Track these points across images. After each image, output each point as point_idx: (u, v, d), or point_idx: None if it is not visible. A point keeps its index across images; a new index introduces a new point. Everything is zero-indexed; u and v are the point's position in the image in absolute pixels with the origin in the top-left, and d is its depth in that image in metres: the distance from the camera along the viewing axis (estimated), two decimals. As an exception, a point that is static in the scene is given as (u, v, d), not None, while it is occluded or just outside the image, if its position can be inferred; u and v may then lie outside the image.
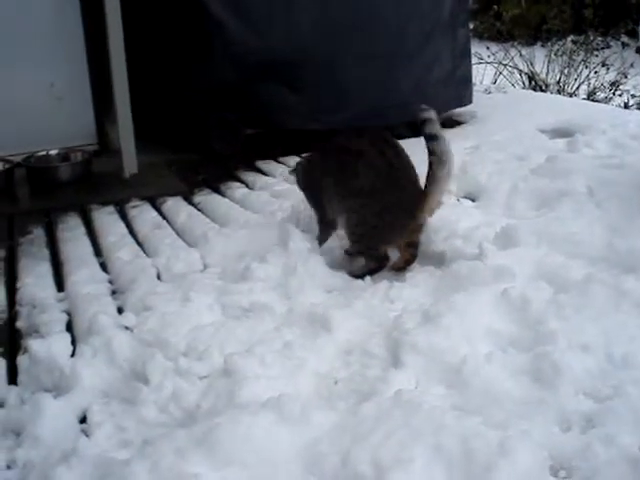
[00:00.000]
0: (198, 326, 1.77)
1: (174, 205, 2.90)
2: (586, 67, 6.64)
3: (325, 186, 2.12)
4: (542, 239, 2.01)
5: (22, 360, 1.70)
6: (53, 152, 3.39)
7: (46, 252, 2.47)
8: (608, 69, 6.70)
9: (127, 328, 1.80)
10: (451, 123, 4.02)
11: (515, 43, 7.82)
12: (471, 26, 5.89)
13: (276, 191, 2.90)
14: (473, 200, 2.57)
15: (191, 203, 2.94)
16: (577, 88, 6.54)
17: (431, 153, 1.92)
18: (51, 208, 2.94)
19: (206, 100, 3.58)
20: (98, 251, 2.46)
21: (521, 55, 6.93)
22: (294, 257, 2.05)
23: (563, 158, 2.76)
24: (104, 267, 2.30)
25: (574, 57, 6.79)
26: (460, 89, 4.10)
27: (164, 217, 2.77)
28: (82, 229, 2.69)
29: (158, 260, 2.25)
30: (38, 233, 2.67)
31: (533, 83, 6.67)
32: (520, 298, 1.69)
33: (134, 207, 2.92)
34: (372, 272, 2.04)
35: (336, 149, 2.15)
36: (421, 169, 2.00)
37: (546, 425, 1.32)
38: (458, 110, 4.18)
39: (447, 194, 2.01)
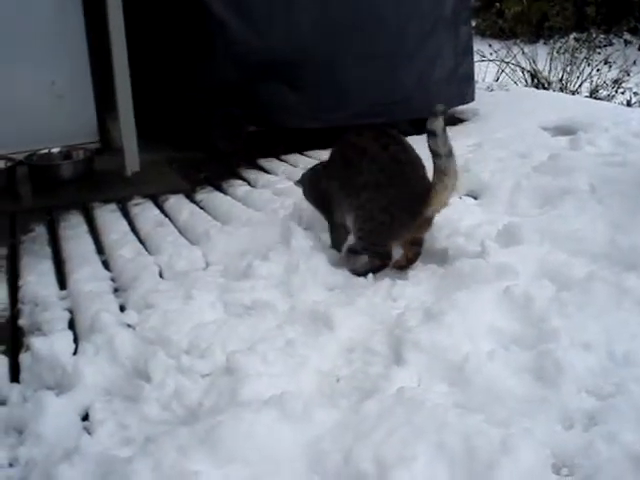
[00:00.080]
0: (200, 324, 1.77)
1: (176, 203, 2.90)
2: (588, 65, 6.63)
3: (332, 191, 2.11)
4: (545, 237, 2.01)
5: (24, 358, 1.71)
6: (55, 150, 3.39)
7: (48, 250, 2.48)
8: (610, 67, 6.69)
9: (129, 326, 1.81)
10: (453, 121, 4.01)
11: (517, 41, 7.80)
12: (473, 24, 5.87)
13: (278, 189, 2.90)
14: (475, 198, 2.57)
15: (193, 201, 2.94)
16: (579, 86, 6.53)
17: (434, 153, 1.91)
18: (53, 206, 2.95)
19: (208, 98, 3.58)
20: (100, 249, 2.46)
21: (523, 53, 6.92)
22: (296, 255, 2.05)
23: (565, 156, 2.75)
24: (106, 265, 2.30)
25: (576, 55, 6.78)
26: (462, 87, 4.09)
27: (166, 215, 2.77)
28: (84, 227, 2.69)
29: (160, 258, 2.25)
30: (40, 231, 2.67)
31: (535, 81, 6.66)
32: (522, 296, 1.68)
33: (136, 205, 2.92)
34: (375, 270, 2.04)
35: (339, 150, 2.14)
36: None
37: (548, 423, 1.32)
38: (460, 108, 4.17)
39: (456, 190, 1.99)
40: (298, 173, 2.56)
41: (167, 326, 1.76)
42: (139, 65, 3.39)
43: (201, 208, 2.82)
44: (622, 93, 6.41)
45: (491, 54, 7.09)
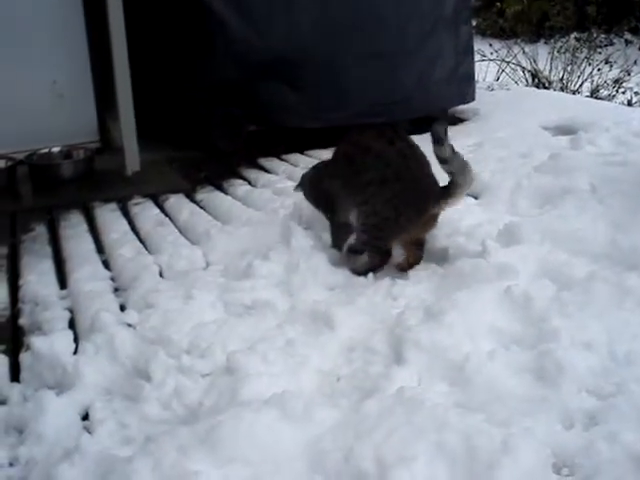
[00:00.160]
0: (200, 323, 1.77)
1: (176, 202, 2.90)
2: (589, 64, 6.63)
3: (334, 190, 2.10)
4: (545, 236, 2.01)
5: (24, 357, 1.70)
6: (55, 149, 3.39)
7: (48, 249, 2.47)
8: (611, 66, 6.69)
9: (129, 325, 1.81)
10: (454, 120, 4.01)
11: (518, 40, 7.81)
12: (474, 23, 5.87)
13: (278, 188, 2.90)
14: (476, 197, 2.57)
15: (193, 200, 2.94)
16: (580, 85, 6.53)
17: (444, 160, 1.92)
18: (53, 205, 2.95)
19: (208, 98, 3.58)
20: (100, 248, 2.46)
21: (524, 52, 6.92)
22: (296, 254, 2.05)
23: (566, 155, 2.75)
24: (106, 264, 2.30)
25: (577, 54, 6.78)
26: (463, 86, 4.09)
27: (166, 214, 2.77)
28: (84, 226, 2.69)
29: (160, 257, 2.25)
30: (40, 230, 2.67)
31: (536, 80, 6.66)
32: (523, 296, 1.68)
33: (136, 204, 2.92)
34: (374, 269, 2.03)
35: (342, 148, 2.14)
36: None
37: (549, 423, 1.32)
38: (461, 107, 4.17)
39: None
40: (298, 172, 2.57)
41: (167, 326, 1.76)
42: (139, 64, 3.39)
43: (201, 208, 2.82)
44: (623, 93, 6.41)
45: (492, 54, 7.08)
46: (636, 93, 6.27)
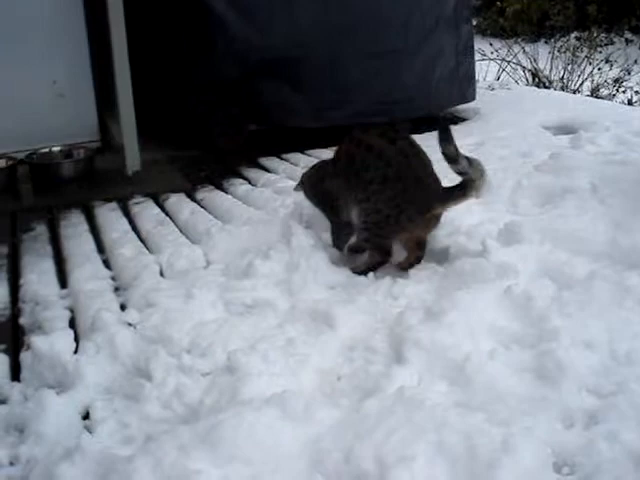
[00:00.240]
0: (201, 323, 1.77)
1: (177, 202, 2.90)
2: (590, 64, 6.64)
3: (336, 189, 2.10)
4: (546, 236, 2.01)
5: (25, 357, 1.70)
6: (56, 149, 3.39)
7: (49, 249, 2.47)
8: (612, 66, 6.69)
9: (130, 325, 1.81)
10: (454, 120, 4.01)
11: (518, 39, 7.81)
12: (474, 22, 5.87)
13: (279, 188, 2.90)
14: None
15: (194, 200, 2.94)
16: (581, 85, 6.54)
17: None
18: (54, 205, 2.95)
19: (208, 97, 3.58)
20: (101, 248, 2.46)
21: (524, 52, 6.92)
22: (297, 253, 2.05)
23: (567, 155, 2.75)
24: (107, 264, 2.30)
25: (577, 54, 6.78)
26: (463, 86, 4.10)
27: (167, 214, 2.77)
28: (85, 226, 2.69)
29: (161, 257, 2.25)
30: (41, 230, 2.67)
31: (536, 80, 6.66)
32: (523, 295, 1.68)
33: (137, 204, 2.92)
34: (374, 268, 2.03)
35: (344, 147, 2.13)
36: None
37: (549, 422, 1.32)
38: (461, 107, 4.18)
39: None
40: (299, 172, 2.57)
41: (168, 325, 1.76)
42: (140, 64, 3.39)
43: (202, 207, 2.82)
44: (623, 92, 6.42)
45: (492, 53, 7.09)
46: (636, 92, 6.28)
